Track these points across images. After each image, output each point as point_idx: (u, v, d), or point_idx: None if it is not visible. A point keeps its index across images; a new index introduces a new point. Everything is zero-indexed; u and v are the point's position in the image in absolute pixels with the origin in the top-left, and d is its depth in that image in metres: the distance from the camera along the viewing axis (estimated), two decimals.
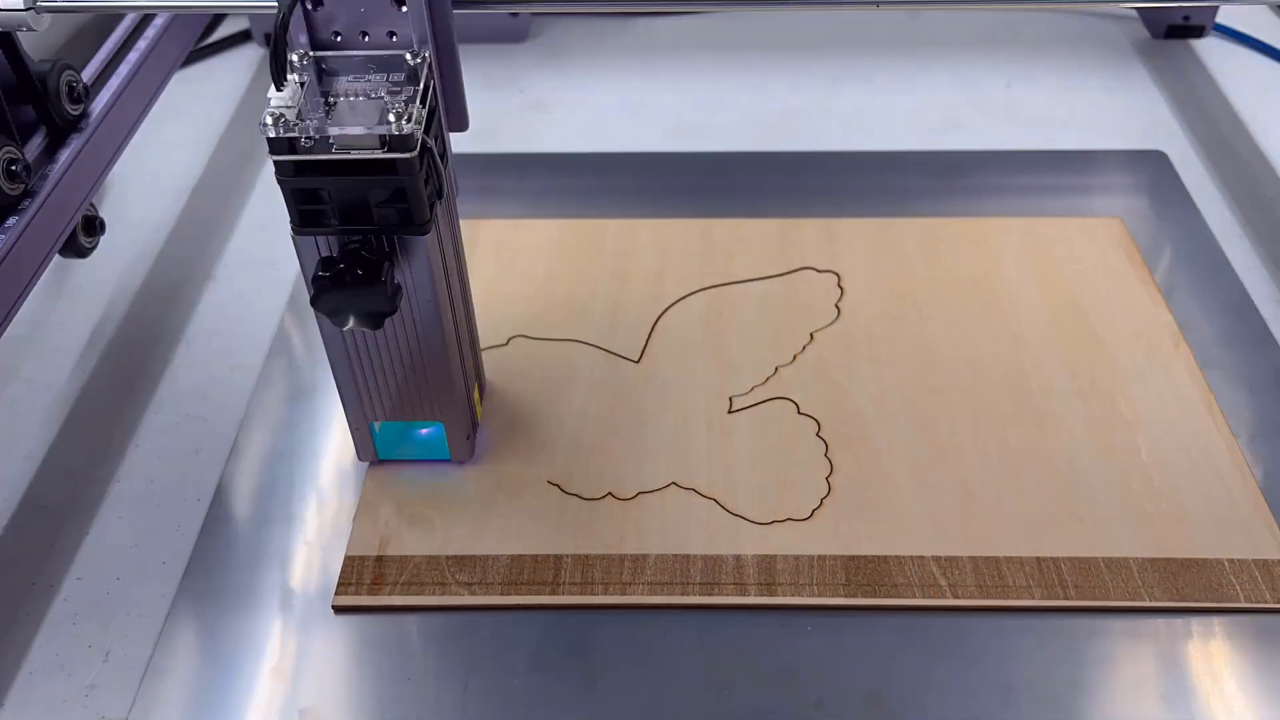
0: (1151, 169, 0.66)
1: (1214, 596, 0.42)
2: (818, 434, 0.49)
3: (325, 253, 0.39)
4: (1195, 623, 0.42)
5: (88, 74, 0.50)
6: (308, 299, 0.57)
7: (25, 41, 0.45)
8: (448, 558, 0.44)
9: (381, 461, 0.48)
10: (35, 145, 0.46)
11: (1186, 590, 0.43)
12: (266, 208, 0.66)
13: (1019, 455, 0.48)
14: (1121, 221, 0.61)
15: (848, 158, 0.68)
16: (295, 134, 0.36)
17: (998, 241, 0.59)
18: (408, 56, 0.39)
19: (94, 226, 0.49)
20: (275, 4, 0.37)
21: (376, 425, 0.47)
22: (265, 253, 0.62)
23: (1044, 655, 0.41)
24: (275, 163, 0.37)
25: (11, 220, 0.42)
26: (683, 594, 0.43)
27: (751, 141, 0.71)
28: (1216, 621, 0.42)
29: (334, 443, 0.50)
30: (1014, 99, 0.75)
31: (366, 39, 0.39)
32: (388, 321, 0.40)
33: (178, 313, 0.58)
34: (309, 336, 0.55)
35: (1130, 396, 0.50)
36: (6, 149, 0.42)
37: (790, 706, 0.40)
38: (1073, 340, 0.53)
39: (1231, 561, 0.43)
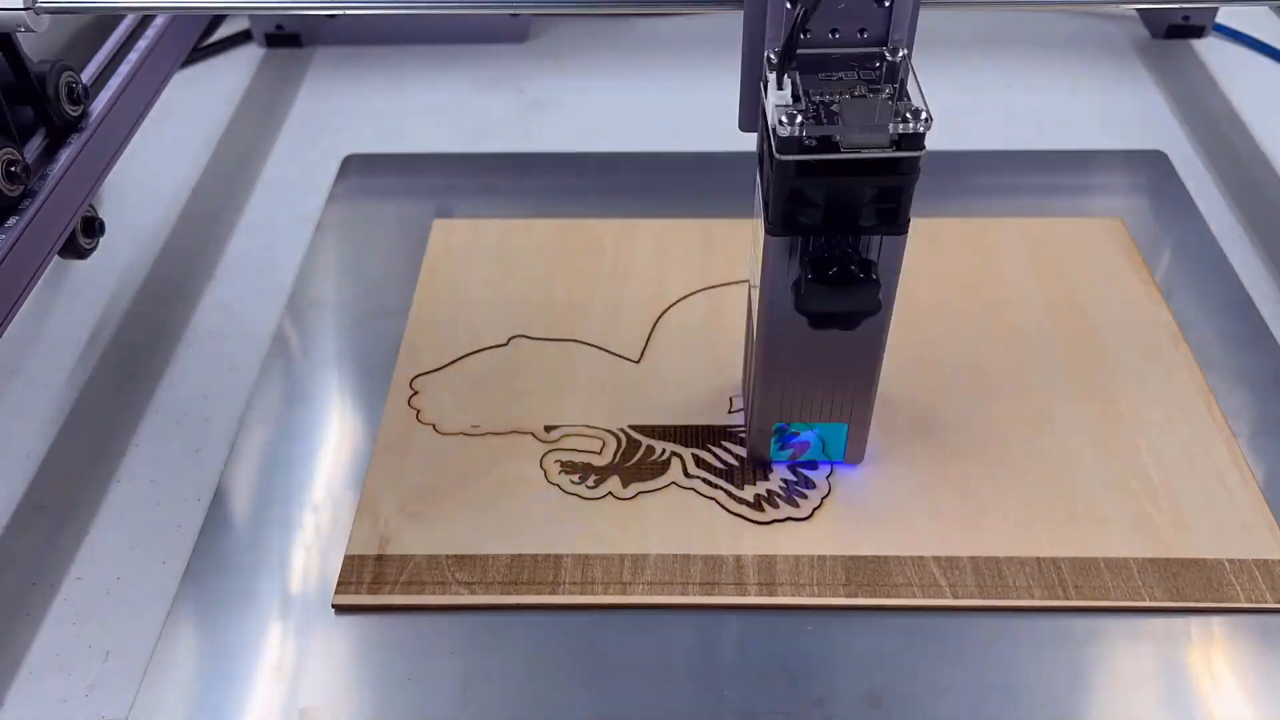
0: (1151, 169, 0.66)
1: (1214, 596, 0.42)
2: None
3: (792, 255, 0.38)
4: (1195, 623, 0.42)
5: (87, 75, 0.50)
6: (309, 298, 0.57)
7: (24, 42, 0.45)
8: (448, 557, 0.44)
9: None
10: (34, 146, 0.45)
11: (1186, 590, 0.43)
12: (266, 208, 0.66)
13: (1019, 455, 0.48)
14: (1121, 222, 0.61)
15: None
16: (801, 133, 0.35)
17: (998, 241, 0.59)
18: (886, 53, 0.38)
19: (93, 228, 0.49)
20: (280, 6, 0.36)
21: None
22: (265, 253, 0.62)
23: (1044, 655, 0.41)
24: (779, 163, 0.36)
25: (11, 221, 0.42)
26: (683, 594, 0.43)
27: (752, 141, 0.71)
28: (1216, 621, 0.42)
29: (334, 441, 0.50)
30: (1014, 99, 0.75)
31: (836, 35, 0.38)
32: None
33: (178, 313, 0.58)
34: (308, 337, 0.55)
35: (1130, 396, 0.50)
36: (6, 150, 0.42)
37: (790, 706, 0.40)
38: (1073, 340, 0.53)
39: (1231, 561, 0.43)
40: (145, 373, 0.55)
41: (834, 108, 0.36)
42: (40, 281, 0.46)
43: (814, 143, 0.35)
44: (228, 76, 0.79)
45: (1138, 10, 0.83)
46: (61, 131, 0.46)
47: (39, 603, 0.45)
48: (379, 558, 0.44)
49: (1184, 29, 0.80)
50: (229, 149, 0.72)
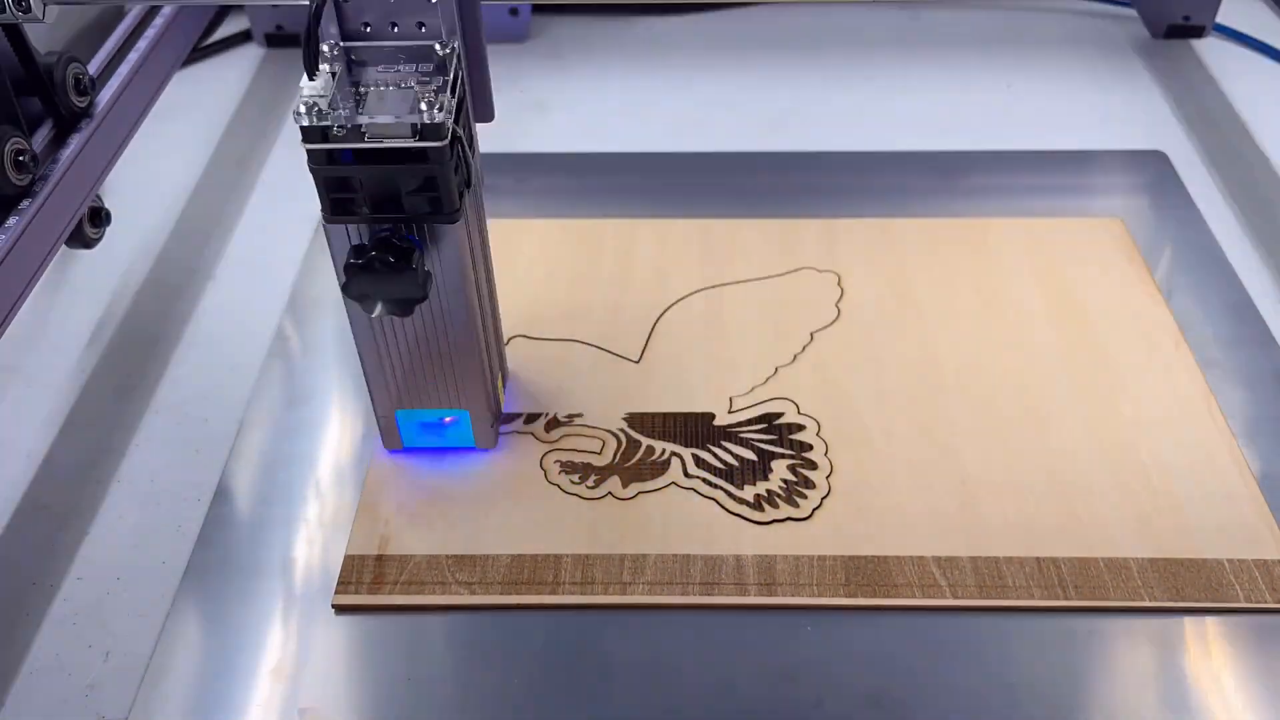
0: (1151, 169, 0.66)
1: (1214, 596, 0.42)
2: (818, 434, 0.49)
3: (356, 241, 0.39)
4: (1195, 623, 0.42)
5: (93, 67, 0.50)
6: (307, 298, 0.57)
7: (32, 34, 0.45)
8: (448, 557, 0.44)
9: (406, 450, 0.48)
10: (42, 136, 0.46)
11: (1186, 590, 0.43)
12: (266, 208, 0.66)
13: (1019, 455, 0.48)
14: (1122, 222, 0.61)
15: (848, 158, 0.68)
16: (328, 123, 0.36)
17: (998, 241, 0.59)
18: (437, 47, 0.39)
19: (100, 217, 0.50)
20: None
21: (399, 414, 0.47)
22: (265, 253, 0.62)
23: (1044, 655, 0.41)
24: (308, 151, 0.37)
25: (17, 214, 0.43)
26: (683, 594, 0.43)
27: (751, 141, 0.71)
28: (1217, 621, 0.42)
29: (334, 442, 0.50)
30: (1014, 99, 0.75)
31: (396, 30, 0.40)
32: (417, 309, 0.41)
33: (178, 313, 0.59)
34: (308, 337, 0.55)
35: (1130, 396, 0.50)
36: (14, 140, 0.42)
37: (790, 706, 0.40)
38: (1073, 340, 0.53)
39: (1231, 561, 0.43)
40: (145, 372, 0.55)
41: (367, 99, 0.38)
42: (42, 280, 0.46)
43: (343, 132, 0.36)
44: (228, 76, 0.79)
45: (1138, 10, 0.83)
46: (69, 122, 0.47)
47: (39, 603, 0.45)
48: (379, 558, 0.44)
49: (1184, 29, 0.80)
50: (229, 149, 0.72)
